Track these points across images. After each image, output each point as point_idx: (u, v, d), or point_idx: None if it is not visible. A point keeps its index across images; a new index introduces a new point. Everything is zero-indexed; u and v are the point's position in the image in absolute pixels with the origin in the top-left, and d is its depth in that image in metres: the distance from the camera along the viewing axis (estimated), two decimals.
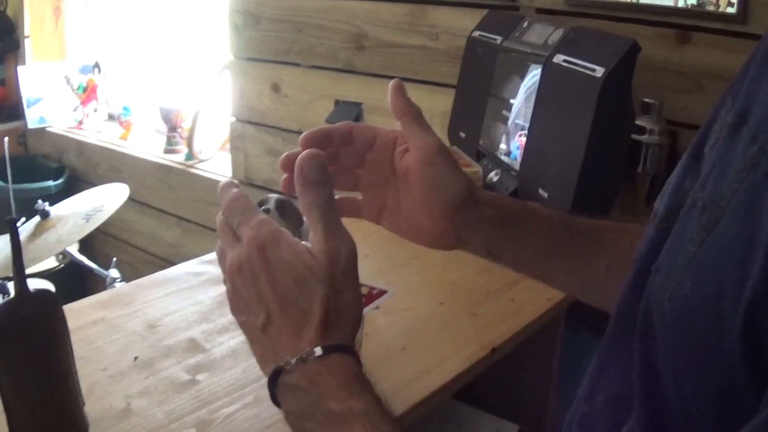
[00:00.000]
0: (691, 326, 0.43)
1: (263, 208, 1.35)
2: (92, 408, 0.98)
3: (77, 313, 1.21)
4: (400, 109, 0.73)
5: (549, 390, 1.46)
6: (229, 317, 1.25)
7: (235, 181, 0.68)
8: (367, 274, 1.35)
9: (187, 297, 1.33)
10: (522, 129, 1.61)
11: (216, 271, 1.43)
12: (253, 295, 0.62)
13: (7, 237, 2.33)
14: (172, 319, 1.25)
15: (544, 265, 0.80)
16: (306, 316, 0.60)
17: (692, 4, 1.76)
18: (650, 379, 0.48)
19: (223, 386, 1.07)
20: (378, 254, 1.54)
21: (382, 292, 0.87)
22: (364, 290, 0.87)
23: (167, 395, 1.04)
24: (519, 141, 1.63)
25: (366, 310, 0.86)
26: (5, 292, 2.36)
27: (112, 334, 1.20)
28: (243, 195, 0.65)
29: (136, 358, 1.13)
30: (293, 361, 0.59)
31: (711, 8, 1.73)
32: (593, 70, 1.40)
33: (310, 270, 0.61)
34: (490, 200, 0.76)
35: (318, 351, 0.59)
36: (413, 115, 0.73)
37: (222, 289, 1.36)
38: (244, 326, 0.64)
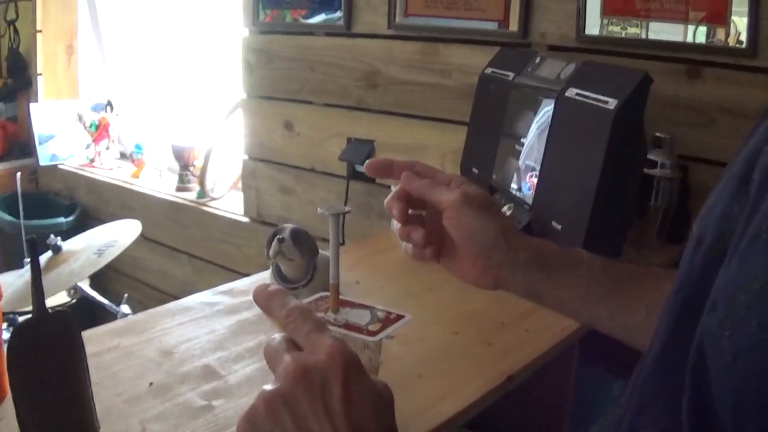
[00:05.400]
0: (758, 367, 0.41)
1: (278, 237, 1.36)
2: None
3: (93, 339, 1.21)
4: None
5: (563, 421, 1.45)
6: (244, 345, 1.26)
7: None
8: (382, 304, 1.35)
9: (202, 326, 1.33)
10: (533, 170, 1.62)
11: (231, 301, 1.44)
12: (318, 406, 0.53)
13: (16, 272, 2.33)
14: (187, 346, 1.24)
15: (585, 308, 0.81)
16: None
17: (700, 42, 1.78)
18: (704, 418, 0.45)
19: (238, 412, 1.05)
20: (392, 286, 1.55)
21: (399, 317, 0.88)
22: (381, 314, 0.88)
23: (182, 420, 1.04)
24: (530, 182, 1.63)
25: (382, 335, 0.87)
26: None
27: (128, 360, 1.19)
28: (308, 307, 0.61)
29: (151, 383, 1.12)
30: None
31: (720, 44, 1.75)
32: (606, 102, 1.41)
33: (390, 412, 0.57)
34: (526, 244, 0.79)
35: None
36: (427, 186, 0.79)
37: (237, 317, 1.37)
38: None
